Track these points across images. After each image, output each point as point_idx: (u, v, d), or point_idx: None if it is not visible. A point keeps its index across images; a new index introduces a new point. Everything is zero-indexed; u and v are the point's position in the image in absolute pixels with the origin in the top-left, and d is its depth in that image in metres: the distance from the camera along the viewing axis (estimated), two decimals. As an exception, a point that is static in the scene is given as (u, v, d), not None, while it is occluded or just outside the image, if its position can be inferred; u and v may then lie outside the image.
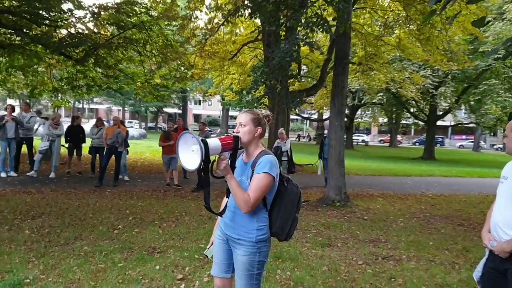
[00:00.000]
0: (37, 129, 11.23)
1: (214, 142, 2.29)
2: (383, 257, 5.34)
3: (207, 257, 2.87)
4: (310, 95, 17.09)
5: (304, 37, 8.41)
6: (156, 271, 4.41)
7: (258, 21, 13.32)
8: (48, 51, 11.30)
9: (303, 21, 8.03)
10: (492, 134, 47.09)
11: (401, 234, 6.62)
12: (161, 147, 10.47)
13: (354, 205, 8.91)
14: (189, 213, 7.32)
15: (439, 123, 29.87)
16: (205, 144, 2.19)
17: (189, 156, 2.25)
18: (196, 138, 2.21)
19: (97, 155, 11.05)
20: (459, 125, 31.85)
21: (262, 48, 14.17)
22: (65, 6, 10.61)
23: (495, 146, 56.41)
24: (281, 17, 8.71)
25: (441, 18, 10.01)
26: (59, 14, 10.56)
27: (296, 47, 8.79)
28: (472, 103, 26.84)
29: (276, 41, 10.78)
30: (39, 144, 10.75)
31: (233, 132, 2.58)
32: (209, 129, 14.16)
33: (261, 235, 2.54)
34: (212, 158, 2.30)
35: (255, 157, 2.54)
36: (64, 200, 7.93)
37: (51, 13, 10.51)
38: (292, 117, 26.93)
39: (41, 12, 10.22)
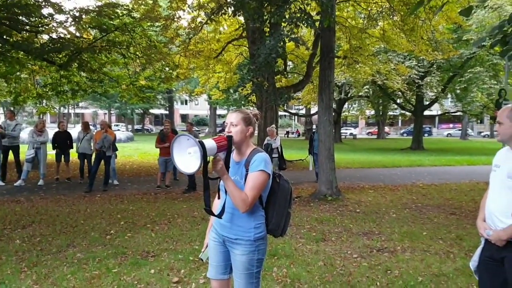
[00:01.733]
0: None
1: (210, 143, 2.25)
2: (377, 250, 5.35)
3: (203, 260, 2.83)
4: (297, 91, 17.11)
5: (289, 33, 8.40)
6: (151, 275, 4.36)
7: (241, 18, 13.27)
8: (30, 57, 11.14)
9: (287, 16, 8.02)
10: (479, 121, 47.55)
11: (394, 226, 6.63)
12: (153, 149, 10.38)
13: (346, 199, 8.93)
14: (181, 215, 7.26)
15: (426, 112, 30.13)
16: (203, 146, 2.15)
17: (185, 159, 2.20)
18: (194, 140, 2.15)
19: (85, 160, 10.92)
20: (446, 114, 32.12)
21: (247, 46, 14.14)
22: (46, 11, 10.47)
23: (482, 133, 57.10)
24: (265, 14, 8.67)
25: (425, 8, 10.06)
26: (40, 19, 10.41)
27: (282, 43, 8.76)
28: (458, 91, 27.09)
29: (261, 38, 10.75)
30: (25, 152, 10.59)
31: (224, 132, 2.55)
32: (197, 129, 14.09)
33: (259, 233, 2.53)
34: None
35: (247, 156, 2.53)
36: (54, 207, 7.82)
37: (31, 19, 10.36)
38: (280, 113, 26.92)
39: (20, 18, 10.07)
